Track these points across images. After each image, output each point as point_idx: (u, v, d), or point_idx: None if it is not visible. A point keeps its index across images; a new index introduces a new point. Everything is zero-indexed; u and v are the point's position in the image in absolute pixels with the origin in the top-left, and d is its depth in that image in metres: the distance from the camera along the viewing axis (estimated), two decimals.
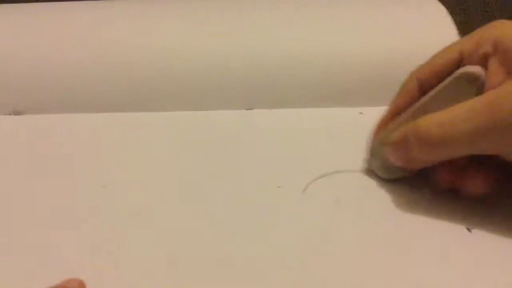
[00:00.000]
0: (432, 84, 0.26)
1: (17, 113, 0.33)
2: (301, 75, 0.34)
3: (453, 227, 0.25)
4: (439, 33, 0.35)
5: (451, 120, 0.23)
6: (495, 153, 0.23)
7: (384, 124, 0.28)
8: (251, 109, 0.34)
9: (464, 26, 0.37)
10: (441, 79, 0.25)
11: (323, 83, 0.34)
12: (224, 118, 0.33)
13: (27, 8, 0.38)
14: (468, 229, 0.25)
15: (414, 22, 0.36)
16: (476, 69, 0.24)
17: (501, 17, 0.26)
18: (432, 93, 0.25)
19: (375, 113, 0.33)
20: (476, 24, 0.36)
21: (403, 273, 0.23)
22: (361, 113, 0.33)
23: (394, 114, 0.28)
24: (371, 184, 0.28)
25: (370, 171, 0.28)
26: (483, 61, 0.24)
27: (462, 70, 0.24)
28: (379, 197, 0.27)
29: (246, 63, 0.34)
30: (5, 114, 0.33)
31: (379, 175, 0.28)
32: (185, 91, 0.34)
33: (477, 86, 0.24)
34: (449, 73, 0.25)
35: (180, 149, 0.30)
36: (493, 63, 0.24)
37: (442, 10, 0.37)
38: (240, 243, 0.24)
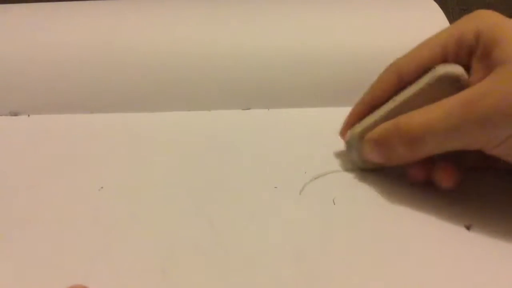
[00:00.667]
0: (412, 77, 0.26)
1: (13, 114, 0.33)
2: (298, 75, 0.34)
3: (452, 225, 0.25)
4: (433, 32, 0.35)
5: (432, 119, 0.23)
6: (475, 148, 0.24)
7: (357, 116, 0.28)
8: (249, 109, 0.34)
9: None
10: (421, 72, 0.25)
11: (321, 83, 0.34)
12: (222, 118, 0.33)
13: (26, 8, 0.38)
14: (467, 227, 0.25)
15: (409, 22, 0.36)
16: (457, 69, 0.24)
17: None
18: (412, 89, 0.25)
19: None
20: None
21: (401, 272, 0.23)
22: None
23: (370, 105, 0.28)
24: (368, 184, 0.27)
25: (366, 171, 0.28)
26: (468, 56, 0.25)
27: (443, 70, 0.24)
28: (376, 196, 0.27)
29: (243, 64, 0.34)
30: (2, 115, 0.33)
31: (357, 165, 0.28)
32: (182, 92, 0.34)
33: (458, 86, 0.24)
34: (430, 67, 0.25)
35: (177, 149, 0.30)
36: (475, 59, 0.24)
37: (437, 10, 0.37)
38: (237, 244, 0.24)
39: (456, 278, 0.22)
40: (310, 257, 0.23)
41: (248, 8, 0.37)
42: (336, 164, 0.29)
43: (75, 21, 0.36)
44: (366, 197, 0.27)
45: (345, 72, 0.34)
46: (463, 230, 0.25)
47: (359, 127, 0.28)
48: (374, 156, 0.27)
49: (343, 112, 0.33)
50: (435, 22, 0.36)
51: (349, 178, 0.28)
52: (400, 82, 0.26)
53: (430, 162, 0.26)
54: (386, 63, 0.32)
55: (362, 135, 0.27)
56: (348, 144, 0.29)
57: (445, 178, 0.26)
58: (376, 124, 0.26)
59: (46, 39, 0.35)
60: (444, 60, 0.25)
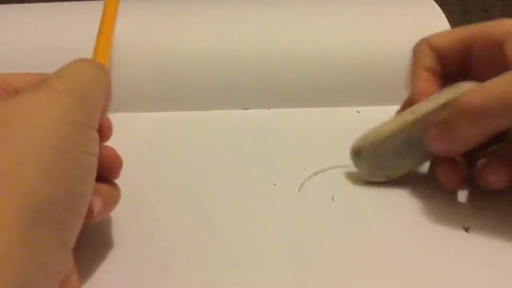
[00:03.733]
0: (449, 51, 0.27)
1: None
2: (299, 75, 0.34)
3: (450, 226, 0.25)
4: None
5: (493, 90, 0.23)
6: None
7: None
8: (248, 109, 0.34)
9: None
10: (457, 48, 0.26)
11: (321, 83, 0.34)
12: (221, 118, 0.33)
13: (27, 8, 0.39)
14: (465, 229, 0.25)
15: (410, 23, 0.36)
16: (475, 85, 0.25)
17: (501, 17, 0.26)
18: (434, 102, 0.26)
19: (372, 112, 0.33)
20: None
21: (398, 271, 0.23)
22: (358, 112, 0.34)
23: (421, 75, 0.28)
24: (367, 181, 0.27)
25: (370, 183, 0.28)
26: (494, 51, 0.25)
27: (469, 85, 0.25)
28: (375, 195, 0.27)
29: (243, 64, 0.34)
30: None
31: (363, 177, 0.27)
32: (181, 92, 0.34)
33: None
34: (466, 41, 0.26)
35: (176, 149, 0.30)
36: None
37: (438, 11, 0.37)
38: (236, 241, 0.24)
39: (454, 278, 0.22)
40: (309, 254, 0.23)
41: (248, 9, 0.37)
42: (335, 161, 0.29)
43: (74, 21, 0.36)
44: (365, 193, 0.27)
45: (346, 72, 0.34)
46: (461, 232, 0.25)
47: (371, 137, 0.27)
48: (439, 143, 0.25)
49: (343, 111, 0.34)
50: (436, 23, 0.36)
51: (348, 175, 0.28)
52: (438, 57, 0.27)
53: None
54: (384, 64, 0.32)
55: (373, 145, 0.27)
56: (356, 153, 0.27)
57: (500, 179, 0.25)
58: (393, 135, 0.26)
59: (45, 39, 0.35)
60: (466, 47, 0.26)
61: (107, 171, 0.23)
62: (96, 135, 0.20)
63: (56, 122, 0.18)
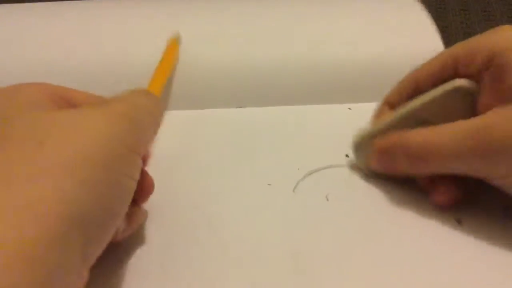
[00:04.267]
0: (426, 85, 0.26)
1: None
2: (291, 73, 0.34)
3: (442, 219, 0.25)
4: (420, 34, 0.35)
5: (437, 141, 0.24)
6: (478, 177, 0.24)
7: (378, 116, 0.29)
8: (242, 107, 0.34)
9: (464, 26, 0.37)
10: (436, 82, 0.26)
11: (313, 81, 0.34)
12: (214, 116, 0.33)
13: (27, 8, 0.38)
14: (457, 221, 0.25)
15: (399, 24, 0.37)
16: (470, 84, 0.24)
17: (501, 17, 0.26)
18: (423, 99, 0.26)
19: (364, 109, 0.34)
20: (476, 24, 0.36)
21: (393, 268, 0.23)
22: (350, 109, 0.34)
23: (388, 106, 0.28)
24: (361, 180, 0.28)
25: (358, 167, 0.29)
26: (478, 72, 0.24)
27: (456, 83, 0.25)
28: (369, 192, 0.27)
29: (236, 62, 0.34)
30: None
31: (363, 170, 0.28)
32: (174, 90, 0.34)
33: (470, 101, 0.24)
34: (445, 77, 0.25)
35: (169, 148, 0.30)
36: (487, 77, 0.24)
37: (423, 11, 0.37)
38: (231, 241, 0.25)
39: (447, 270, 0.23)
40: (304, 253, 0.24)
41: (243, 9, 0.37)
42: (329, 160, 0.29)
43: (74, 21, 0.36)
44: (359, 193, 0.27)
45: (337, 70, 0.34)
46: (454, 224, 0.25)
47: (368, 129, 0.28)
48: (376, 164, 0.27)
49: (335, 109, 0.34)
50: (422, 24, 0.36)
51: (342, 174, 0.28)
52: (416, 88, 0.27)
53: (430, 178, 0.26)
54: (375, 62, 0.32)
55: (371, 138, 0.27)
56: (356, 145, 0.28)
57: (441, 197, 0.26)
58: (386, 128, 0.27)
59: (45, 39, 0.35)
60: (455, 71, 0.25)
61: (140, 194, 0.23)
62: (140, 161, 0.21)
63: (109, 141, 0.19)
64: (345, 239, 0.25)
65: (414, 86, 0.27)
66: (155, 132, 0.24)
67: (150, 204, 0.26)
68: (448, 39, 0.35)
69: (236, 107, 0.34)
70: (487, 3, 0.38)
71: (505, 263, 0.23)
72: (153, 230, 0.25)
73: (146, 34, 0.35)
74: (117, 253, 0.24)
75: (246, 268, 0.23)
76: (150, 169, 0.29)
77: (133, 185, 0.21)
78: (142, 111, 0.22)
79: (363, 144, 0.28)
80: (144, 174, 0.24)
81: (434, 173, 0.25)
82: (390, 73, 0.32)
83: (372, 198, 0.27)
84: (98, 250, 0.19)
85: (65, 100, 0.22)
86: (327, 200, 0.27)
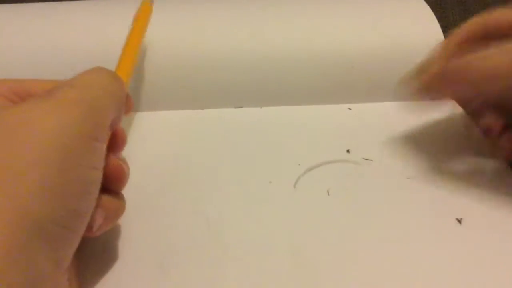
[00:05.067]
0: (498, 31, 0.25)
1: None
2: (291, 74, 0.34)
3: (443, 218, 0.25)
4: (423, 31, 0.36)
5: (489, 55, 0.23)
6: None
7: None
8: (241, 107, 0.34)
9: None
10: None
11: (313, 81, 0.34)
12: (214, 116, 0.33)
13: (27, 8, 0.38)
14: (458, 220, 0.25)
15: (400, 22, 0.37)
16: None
17: None
18: None
19: (364, 109, 0.34)
20: None
21: (393, 262, 0.23)
22: (349, 109, 0.34)
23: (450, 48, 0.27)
24: (362, 175, 0.28)
25: (357, 164, 0.29)
26: None
27: None
28: (369, 188, 0.27)
29: (235, 62, 0.34)
30: None
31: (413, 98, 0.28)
32: (174, 91, 0.34)
33: None
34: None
35: (169, 148, 0.30)
36: None
37: (426, 8, 0.38)
38: (233, 239, 0.24)
39: (447, 269, 0.23)
40: (305, 249, 0.24)
41: (241, 8, 0.38)
42: (330, 156, 0.29)
43: (74, 21, 0.36)
44: (360, 187, 0.27)
45: (337, 70, 0.34)
46: (454, 222, 0.25)
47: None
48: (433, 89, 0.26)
49: (335, 109, 0.34)
50: (425, 22, 0.36)
51: (343, 169, 0.28)
52: (485, 34, 0.26)
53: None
54: (375, 62, 0.32)
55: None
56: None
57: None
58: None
59: (45, 39, 0.35)
60: None
61: (111, 183, 0.21)
62: (102, 148, 0.20)
63: (61, 135, 0.17)
64: (346, 233, 0.24)
65: (483, 32, 0.26)
66: (119, 112, 0.22)
67: (151, 203, 0.26)
68: None
69: (236, 107, 0.34)
70: (487, 4, 0.38)
71: (505, 262, 0.23)
72: (153, 229, 0.25)
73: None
74: (116, 253, 0.24)
75: (248, 264, 0.23)
76: (150, 169, 0.29)
77: (97, 176, 0.19)
78: (98, 92, 0.20)
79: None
80: (111, 160, 0.21)
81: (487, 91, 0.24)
82: (391, 73, 0.32)
83: (373, 193, 0.27)
84: (70, 251, 0.18)
85: (21, 94, 0.20)
86: (328, 194, 0.26)
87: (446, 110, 0.32)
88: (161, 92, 0.34)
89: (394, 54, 0.35)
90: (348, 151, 0.29)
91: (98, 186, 0.19)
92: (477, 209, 0.26)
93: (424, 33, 0.35)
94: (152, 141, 0.31)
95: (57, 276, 0.17)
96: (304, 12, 0.37)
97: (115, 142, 0.22)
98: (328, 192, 0.27)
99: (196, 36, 0.35)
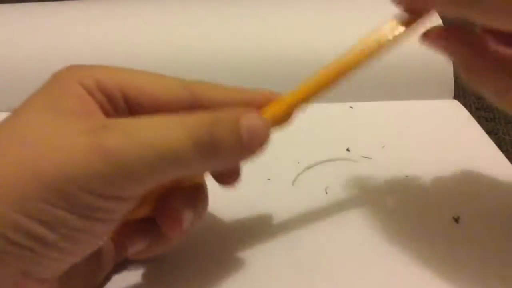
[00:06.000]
0: None
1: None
2: (292, 72, 0.34)
3: (440, 216, 0.25)
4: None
5: None
6: None
7: None
8: None
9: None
10: None
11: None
12: None
13: (27, 8, 0.39)
14: (455, 219, 0.25)
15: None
16: None
17: None
18: None
19: (365, 107, 0.34)
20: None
21: (390, 262, 0.23)
22: (351, 107, 0.34)
23: None
24: (360, 173, 0.28)
25: (355, 162, 0.29)
26: None
27: None
28: (367, 187, 0.27)
29: (237, 61, 0.35)
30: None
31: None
32: None
33: None
34: None
35: None
36: None
37: None
38: (231, 236, 0.25)
39: (444, 267, 0.23)
40: (303, 245, 0.24)
41: (240, 7, 0.38)
42: (329, 155, 0.29)
43: (75, 20, 0.37)
44: (358, 186, 0.27)
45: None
46: (451, 221, 0.25)
47: None
48: None
49: (337, 107, 0.34)
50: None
51: (342, 168, 0.28)
52: None
53: None
54: (377, 61, 0.32)
55: None
56: None
57: None
58: None
59: (44, 38, 0.35)
60: None
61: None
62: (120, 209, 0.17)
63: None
64: (343, 231, 0.24)
65: None
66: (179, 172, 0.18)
67: None
68: None
69: None
70: None
71: (502, 261, 0.23)
72: None
73: (139, 34, 0.36)
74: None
75: (245, 262, 0.23)
76: None
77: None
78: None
79: None
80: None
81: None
82: (391, 72, 0.32)
83: (371, 191, 0.27)
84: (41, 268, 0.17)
85: (131, 94, 0.18)
86: (326, 193, 0.27)
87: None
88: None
89: (397, 53, 0.35)
90: (348, 149, 0.29)
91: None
92: (474, 209, 0.26)
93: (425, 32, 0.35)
94: None
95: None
96: (304, 12, 0.37)
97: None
98: (326, 190, 0.27)
99: (195, 36, 0.35)
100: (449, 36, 0.22)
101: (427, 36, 0.23)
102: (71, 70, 0.19)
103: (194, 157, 0.17)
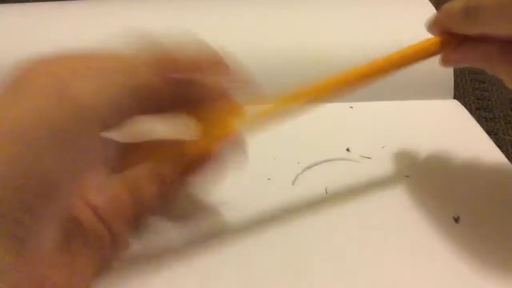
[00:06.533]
0: None
1: None
2: (292, 71, 0.34)
3: (440, 216, 0.25)
4: (425, 32, 0.35)
5: None
6: None
7: None
8: None
9: None
10: None
11: (314, 80, 0.35)
12: None
13: (27, 8, 0.39)
14: (455, 219, 0.25)
15: (403, 19, 0.37)
16: None
17: None
18: None
19: (365, 107, 0.34)
20: None
21: (390, 262, 0.23)
22: (351, 107, 0.34)
23: None
24: (360, 173, 0.28)
25: (356, 162, 0.29)
26: None
27: None
28: (367, 187, 0.27)
29: (237, 60, 0.34)
30: None
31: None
32: None
33: None
34: None
35: None
36: None
37: (430, 7, 0.38)
38: (230, 235, 0.24)
39: (444, 267, 0.23)
40: (303, 246, 0.24)
41: (240, 7, 0.38)
42: (329, 155, 0.29)
43: (75, 20, 0.37)
44: (358, 186, 0.27)
45: (338, 68, 0.34)
46: (451, 221, 0.25)
47: None
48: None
49: (337, 107, 0.34)
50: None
51: (341, 167, 0.28)
52: None
53: None
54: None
55: None
56: None
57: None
58: None
59: (44, 38, 0.35)
60: None
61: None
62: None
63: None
64: (343, 231, 0.24)
65: None
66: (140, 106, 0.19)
67: None
68: None
69: None
70: None
71: (502, 261, 0.23)
72: (151, 226, 0.25)
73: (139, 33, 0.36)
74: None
75: (243, 260, 0.23)
76: None
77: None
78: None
79: None
80: None
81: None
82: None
83: (371, 192, 0.27)
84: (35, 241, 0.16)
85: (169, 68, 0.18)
86: (326, 193, 0.27)
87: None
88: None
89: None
90: (348, 149, 0.29)
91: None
92: (474, 208, 0.26)
93: (427, 32, 0.35)
94: None
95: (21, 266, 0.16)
96: (305, 11, 0.37)
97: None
98: (326, 190, 0.27)
99: (196, 35, 0.35)
100: (467, 52, 0.24)
101: (446, 62, 0.25)
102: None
103: None
